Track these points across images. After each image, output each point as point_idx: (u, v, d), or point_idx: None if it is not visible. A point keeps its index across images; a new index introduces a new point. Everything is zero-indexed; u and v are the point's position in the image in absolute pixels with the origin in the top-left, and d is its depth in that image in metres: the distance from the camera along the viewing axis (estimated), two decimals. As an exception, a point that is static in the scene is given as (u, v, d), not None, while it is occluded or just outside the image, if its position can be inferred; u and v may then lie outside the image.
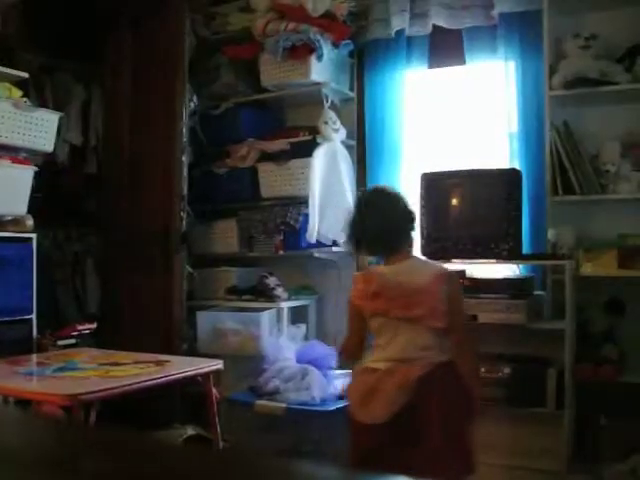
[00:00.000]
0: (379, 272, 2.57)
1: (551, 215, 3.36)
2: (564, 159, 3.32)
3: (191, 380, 3.12)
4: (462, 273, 3.29)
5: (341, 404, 3.27)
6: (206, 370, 3.11)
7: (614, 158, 3.30)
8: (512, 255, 3.22)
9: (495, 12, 3.61)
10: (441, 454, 2.32)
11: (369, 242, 2.58)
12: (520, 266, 3.47)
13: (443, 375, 2.41)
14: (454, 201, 3.39)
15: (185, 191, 3.86)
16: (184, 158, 3.87)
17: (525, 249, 3.39)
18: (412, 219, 2.57)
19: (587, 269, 3.21)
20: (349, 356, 2.73)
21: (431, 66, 3.90)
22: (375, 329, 2.53)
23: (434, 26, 3.77)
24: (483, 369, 3.23)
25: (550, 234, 3.29)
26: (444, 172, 3.47)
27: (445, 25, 3.76)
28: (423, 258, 2.94)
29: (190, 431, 3.61)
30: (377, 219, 2.51)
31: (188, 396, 3.61)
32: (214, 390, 3.18)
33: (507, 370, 3.23)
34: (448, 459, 2.34)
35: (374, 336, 2.55)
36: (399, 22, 3.82)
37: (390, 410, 2.35)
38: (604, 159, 3.31)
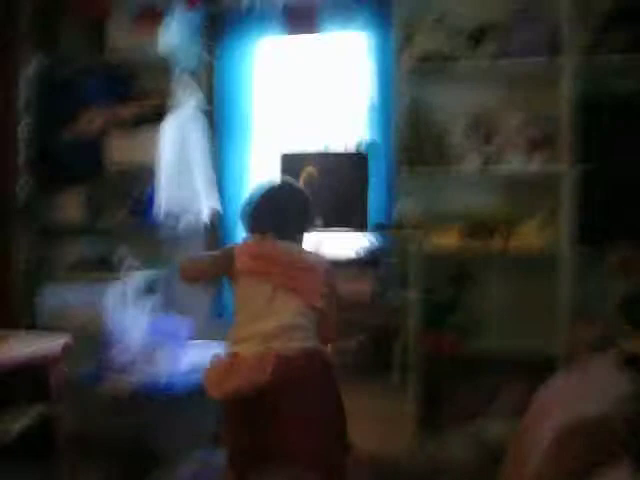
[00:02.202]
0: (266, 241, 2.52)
1: (400, 188, 3.43)
2: (414, 133, 3.39)
3: (33, 359, 2.97)
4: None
5: (192, 381, 3.21)
6: (50, 347, 2.98)
7: (460, 134, 3.41)
8: (362, 226, 3.28)
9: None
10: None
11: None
12: (370, 237, 3.51)
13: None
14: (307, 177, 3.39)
15: (25, 159, 3.64)
16: (24, 124, 3.64)
17: (375, 220, 3.44)
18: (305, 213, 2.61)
19: (434, 241, 3.30)
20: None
21: (287, 34, 3.84)
22: (241, 295, 2.46)
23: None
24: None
25: (399, 206, 3.35)
26: (299, 154, 3.49)
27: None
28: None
29: (32, 414, 3.43)
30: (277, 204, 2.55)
31: (32, 374, 3.43)
32: (58, 369, 3.05)
33: (355, 340, 3.28)
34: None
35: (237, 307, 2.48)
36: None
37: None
38: (451, 135, 3.41)
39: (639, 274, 2.69)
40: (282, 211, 2.54)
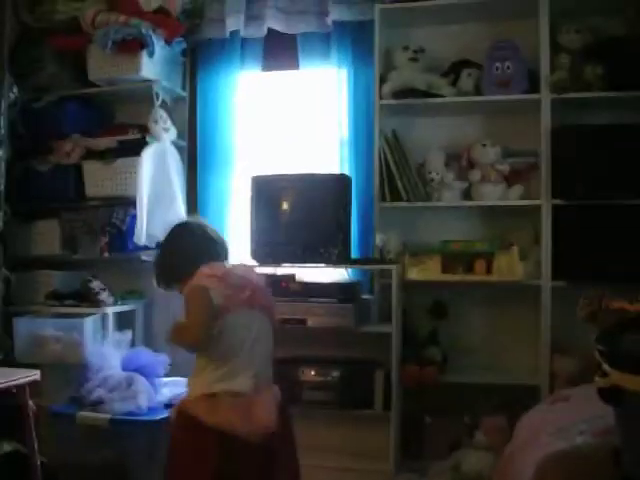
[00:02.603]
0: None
1: (379, 220, 3.44)
2: (392, 166, 3.42)
3: (5, 392, 2.91)
4: (292, 277, 3.34)
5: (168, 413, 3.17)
6: (21, 381, 2.92)
7: (438, 167, 3.44)
8: (341, 259, 3.26)
9: (329, 19, 3.66)
10: None
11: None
12: (349, 270, 3.52)
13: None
14: (284, 205, 3.37)
15: (1, 188, 3.59)
16: (1, 153, 3.60)
17: (354, 253, 3.46)
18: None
19: (412, 274, 3.31)
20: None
21: (265, 69, 3.90)
22: (227, 330, 2.27)
23: (269, 29, 3.77)
24: (313, 372, 3.27)
25: (378, 239, 3.37)
26: (275, 175, 3.47)
27: (280, 29, 3.77)
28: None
29: (6, 447, 3.36)
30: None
31: (3, 409, 3.36)
32: (30, 403, 2.99)
33: (336, 373, 3.27)
34: None
35: (219, 343, 2.27)
36: (234, 23, 3.78)
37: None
38: (429, 168, 3.45)
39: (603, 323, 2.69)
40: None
